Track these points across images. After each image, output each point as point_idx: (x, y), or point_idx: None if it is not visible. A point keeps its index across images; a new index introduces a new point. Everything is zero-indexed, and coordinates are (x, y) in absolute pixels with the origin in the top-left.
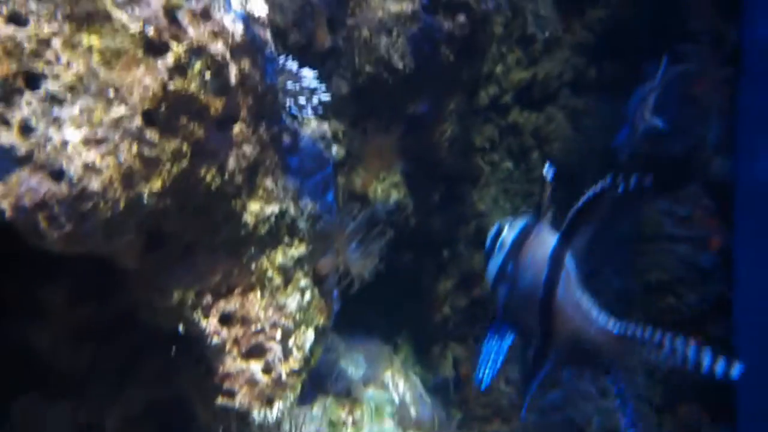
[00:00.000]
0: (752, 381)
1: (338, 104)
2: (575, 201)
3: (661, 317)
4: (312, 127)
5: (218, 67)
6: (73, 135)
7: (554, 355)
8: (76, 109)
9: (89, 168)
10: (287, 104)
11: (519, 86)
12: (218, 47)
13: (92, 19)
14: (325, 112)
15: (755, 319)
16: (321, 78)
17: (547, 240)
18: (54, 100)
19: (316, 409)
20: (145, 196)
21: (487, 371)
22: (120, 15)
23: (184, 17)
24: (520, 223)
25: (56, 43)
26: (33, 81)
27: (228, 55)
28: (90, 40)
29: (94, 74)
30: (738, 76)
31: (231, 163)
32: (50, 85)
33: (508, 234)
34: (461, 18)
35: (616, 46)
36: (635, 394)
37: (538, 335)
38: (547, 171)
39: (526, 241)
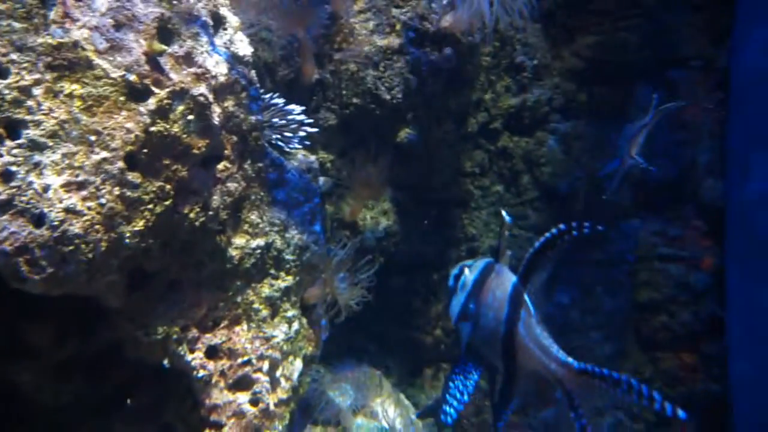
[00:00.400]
0: (747, 399)
1: (326, 135)
2: (531, 244)
3: (654, 336)
4: (299, 159)
5: (201, 109)
6: (54, 180)
7: (519, 390)
8: (57, 155)
9: (70, 211)
10: (274, 138)
11: (508, 112)
12: (201, 89)
13: (74, 67)
14: (313, 143)
15: (748, 339)
16: (309, 110)
17: (506, 280)
18: (35, 146)
19: None
20: (127, 237)
21: (453, 408)
22: (102, 62)
23: (166, 62)
24: (480, 264)
25: (38, 91)
26: (14, 128)
27: (211, 97)
28: (72, 87)
29: (76, 120)
30: (727, 101)
31: (215, 200)
32: (31, 132)
33: (470, 274)
34: (447, 51)
35: (606, 71)
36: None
37: (502, 371)
38: (505, 216)
39: (486, 281)
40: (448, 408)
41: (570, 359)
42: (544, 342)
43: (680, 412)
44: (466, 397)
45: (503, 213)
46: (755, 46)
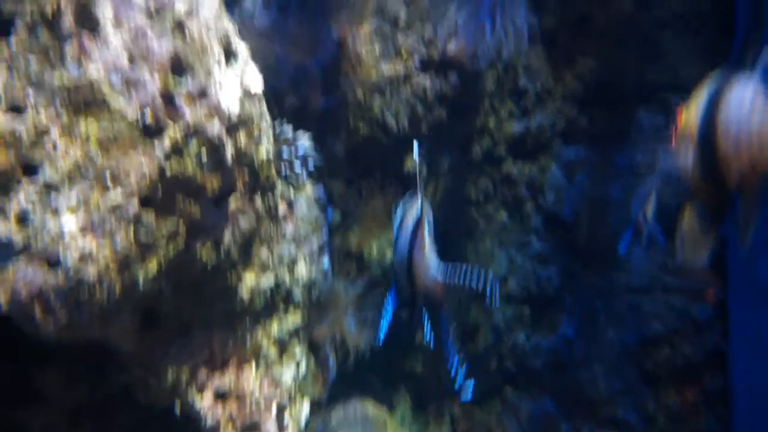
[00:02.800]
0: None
1: (333, 164)
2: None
3: (656, 369)
4: (307, 191)
5: (214, 147)
6: (70, 223)
7: (419, 303)
8: (73, 196)
9: (85, 256)
10: (283, 170)
11: (512, 138)
12: (214, 127)
13: (90, 105)
14: (320, 172)
15: (751, 372)
16: (316, 138)
17: (414, 211)
18: (51, 187)
19: None
20: (141, 279)
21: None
22: (117, 100)
23: (180, 99)
24: (407, 198)
25: (54, 131)
26: (31, 170)
27: (224, 133)
28: (88, 126)
29: (92, 160)
30: None
31: (227, 237)
32: (48, 173)
33: (400, 209)
34: (453, 78)
35: (606, 94)
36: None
37: (408, 291)
38: (416, 150)
39: (406, 214)
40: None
41: (440, 274)
42: (428, 263)
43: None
44: (388, 318)
45: (414, 146)
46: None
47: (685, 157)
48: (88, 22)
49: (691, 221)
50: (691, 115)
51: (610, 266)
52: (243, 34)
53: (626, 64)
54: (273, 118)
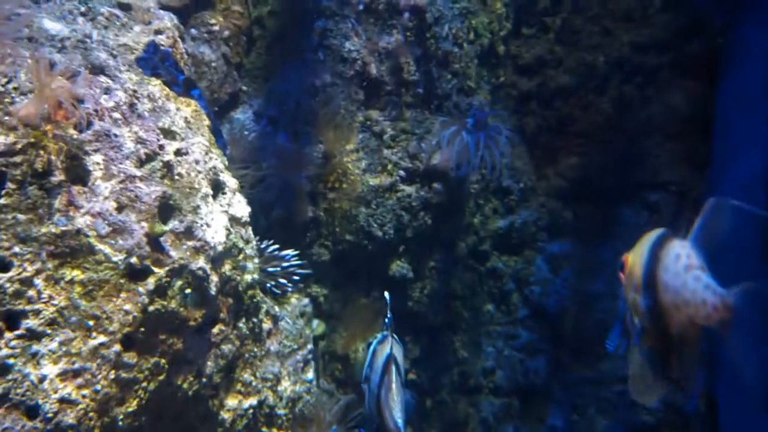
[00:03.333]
0: None
1: (319, 271)
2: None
3: None
4: (292, 304)
5: (199, 282)
6: (51, 369)
7: None
8: (55, 343)
9: (65, 401)
10: (268, 286)
11: (497, 234)
12: (199, 263)
13: (76, 253)
14: (306, 280)
15: None
16: (302, 246)
17: (386, 350)
18: (33, 336)
19: None
20: (120, 419)
21: None
22: (103, 247)
23: (166, 240)
24: (379, 336)
25: (38, 280)
26: (13, 319)
27: (209, 267)
28: (72, 273)
29: (75, 307)
30: None
31: (209, 366)
32: (30, 322)
33: (372, 345)
34: (437, 186)
35: (588, 191)
36: None
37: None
38: (388, 297)
39: (377, 351)
40: None
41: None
42: (391, 404)
43: None
44: None
45: (386, 295)
46: (735, 180)
47: (634, 304)
48: (77, 174)
49: (638, 365)
50: (635, 264)
51: (597, 357)
52: (234, 148)
53: (608, 164)
54: (260, 228)
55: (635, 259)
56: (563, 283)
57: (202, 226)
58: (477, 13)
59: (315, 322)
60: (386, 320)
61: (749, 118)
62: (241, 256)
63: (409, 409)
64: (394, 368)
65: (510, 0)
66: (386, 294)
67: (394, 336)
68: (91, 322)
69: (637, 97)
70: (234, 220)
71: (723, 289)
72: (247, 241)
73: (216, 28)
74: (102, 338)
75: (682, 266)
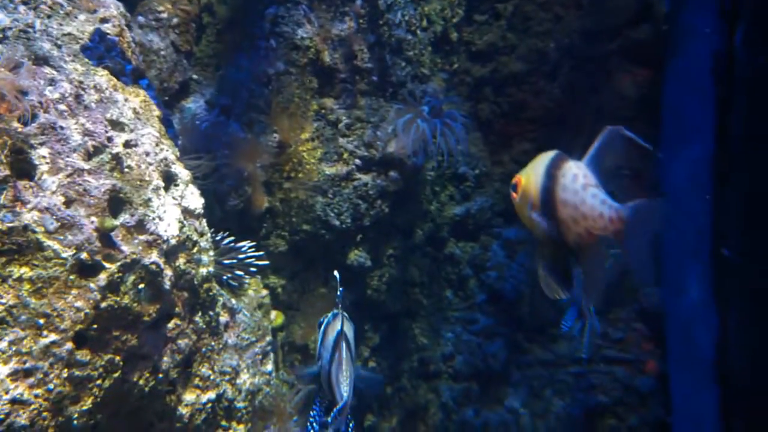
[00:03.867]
0: None
1: (277, 261)
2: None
3: None
4: (250, 295)
5: (152, 276)
6: (1, 370)
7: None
8: (4, 342)
9: (17, 402)
10: (225, 278)
11: (453, 221)
12: (152, 257)
13: (24, 250)
14: (264, 272)
15: None
16: (259, 237)
17: (336, 328)
18: None
19: None
20: (75, 418)
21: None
22: (52, 243)
23: (117, 234)
24: (330, 315)
25: None
26: None
27: (162, 261)
28: (21, 270)
29: (25, 304)
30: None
31: (165, 361)
32: None
33: (321, 329)
34: (393, 174)
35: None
36: None
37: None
38: (337, 275)
39: (328, 328)
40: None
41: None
42: (340, 379)
43: None
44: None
45: (335, 274)
46: (683, 164)
47: (530, 220)
48: (23, 168)
49: (542, 274)
50: (530, 183)
51: (553, 339)
52: (185, 136)
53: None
54: (215, 219)
55: (529, 179)
56: (519, 268)
57: (154, 219)
58: (429, 0)
59: (273, 314)
60: (337, 296)
61: (694, 103)
62: (195, 249)
63: (377, 387)
64: (344, 344)
65: None
66: (335, 273)
67: (344, 313)
68: (41, 320)
69: (587, 84)
70: (187, 213)
71: (618, 204)
72: (202, 234)
73: (164, 15)
74: (53, 336)
75: (580, 185)
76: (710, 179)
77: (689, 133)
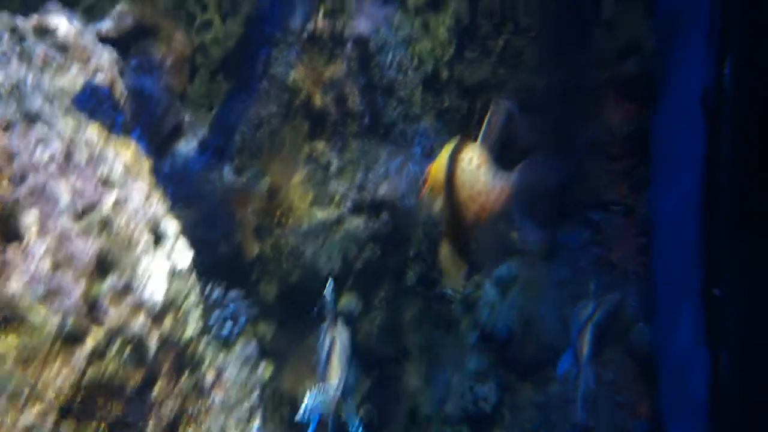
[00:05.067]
0: None
1: (266, 309)
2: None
3: None
4: (236, 351)
5: (138, 341)
6: None
7: None
8: None
9: None
10: (213, 331)
11: None
12: (138, 321)
13: (9, 321)
14: (253, 321)
15: None
16: (248, 284)
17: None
18: None
19: None
20: None
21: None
22: (39, 310)
23: (105, 298)
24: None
25: None
26: None
27: (149, 324)
28: (7, 340)
29: (9, 377)
30: (650, 246)
31: (151, 426)
32: None
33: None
34: (385, 216)
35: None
36: None
37: None
38: (329, 285)
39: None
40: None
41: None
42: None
43: None
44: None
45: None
46: (673, 199)
47: (436, 204)
48: (12, 232)
49: (444, 257)
50: (438, 170)
51: (545, 380)
52: (177, 183)
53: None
54: (204, 266)
55: (438, 168)
56: (511, 307)
57: (141, 281)
58: (420, 39)
59: (262, 365)
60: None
61: (683, 139)
62: (182, 309)
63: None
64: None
65: (453, 25)
66: (329, 281)
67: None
68: (26, 392)
69: (577, 118)
70: (175, 271)
71: (505, 173)
72: (189, 292)
73: (158, 57)
74: (38, 408)
75: (474, 165)
76: (699, 215)
77: (678, 168)
